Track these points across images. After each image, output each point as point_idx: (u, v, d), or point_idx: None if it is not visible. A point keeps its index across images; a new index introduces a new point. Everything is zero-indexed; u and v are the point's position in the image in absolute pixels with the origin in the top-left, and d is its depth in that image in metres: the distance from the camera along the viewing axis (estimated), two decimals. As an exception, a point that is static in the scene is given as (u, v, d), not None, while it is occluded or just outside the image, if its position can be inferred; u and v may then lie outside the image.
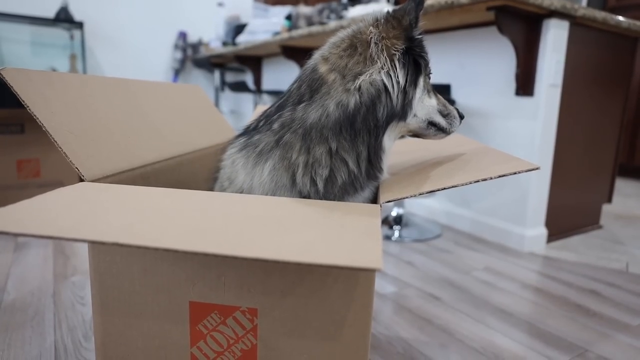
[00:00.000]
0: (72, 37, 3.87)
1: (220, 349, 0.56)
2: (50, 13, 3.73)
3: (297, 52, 2.74)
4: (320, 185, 0.62)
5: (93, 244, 0.55)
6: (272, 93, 2.76)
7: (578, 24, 1.63)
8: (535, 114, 1.61)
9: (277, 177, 0.62)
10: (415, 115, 0.67)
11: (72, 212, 0.47)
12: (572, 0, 1.55)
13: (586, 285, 1.35)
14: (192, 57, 4.36)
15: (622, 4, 3.35)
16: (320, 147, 0.61)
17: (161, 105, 0.96)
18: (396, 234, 1.78)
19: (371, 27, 0.63)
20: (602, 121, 1.87)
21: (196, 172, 0.93)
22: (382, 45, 0.62)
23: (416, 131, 0.70)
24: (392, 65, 0.62)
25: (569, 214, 1.85)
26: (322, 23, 2.58)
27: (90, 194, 0.55)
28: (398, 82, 0.62)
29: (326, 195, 0.62)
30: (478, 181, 0.55)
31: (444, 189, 0.55)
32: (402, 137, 0.72)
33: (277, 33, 2.87)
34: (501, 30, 1.52)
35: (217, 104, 4.34)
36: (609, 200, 2.01)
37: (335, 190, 0.63)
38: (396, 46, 0.62)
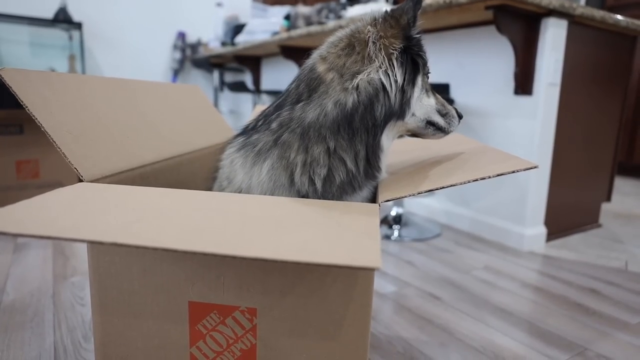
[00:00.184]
0: (71, 38, 3.87)
1: (220, 348, 0.56)
2: (49, 14, 3.73)
3: (296, 52, 2.74)
4: (319, 184, 0.62)
5: (92, 244, 0.55)
6: (271, 93, 2.76)
7: (577, 23, 1.63)
8: (534, 113, 1.61)
9: (276, 177, 0.62)
10: (413, 115, 0.67)
11: (71, 213, 0.47)
12: (571, -1, 1.56)
13: (585, 283, 1.35)
14: (191, 57, 4.36)
15: (621, 3, 3.35)
16: (318, 147, 0.61)
17: (160, 105, 0.96)
18: (396, 233, 1.78)
19: (369, 27, 0.63)
20: (601, 120, 1.87)
21: (195, 172, 0.93)
22: (380, 45, 0.62)
23: (415, 130, 0.70)
24: (390, 64, 0.61)
25: (568, 213, 1.85)
26: (320, 23, 2.58)
27: (89, 194, 0.55)
28: (396, 81, 0.62)
29: (324, 195, 0.62)
30: (477, 180, 0.55)
31: (443, 188, 0.55)
32: (401, 136, 0.72)
33: (275, 33, 2.87)
34: (500, 30, 1.52)
35: (216, 104, 4.33)
36: (608, 198, 2.02)
37: (333, 189, 0.63)
38: (394, 45, 0.62)
